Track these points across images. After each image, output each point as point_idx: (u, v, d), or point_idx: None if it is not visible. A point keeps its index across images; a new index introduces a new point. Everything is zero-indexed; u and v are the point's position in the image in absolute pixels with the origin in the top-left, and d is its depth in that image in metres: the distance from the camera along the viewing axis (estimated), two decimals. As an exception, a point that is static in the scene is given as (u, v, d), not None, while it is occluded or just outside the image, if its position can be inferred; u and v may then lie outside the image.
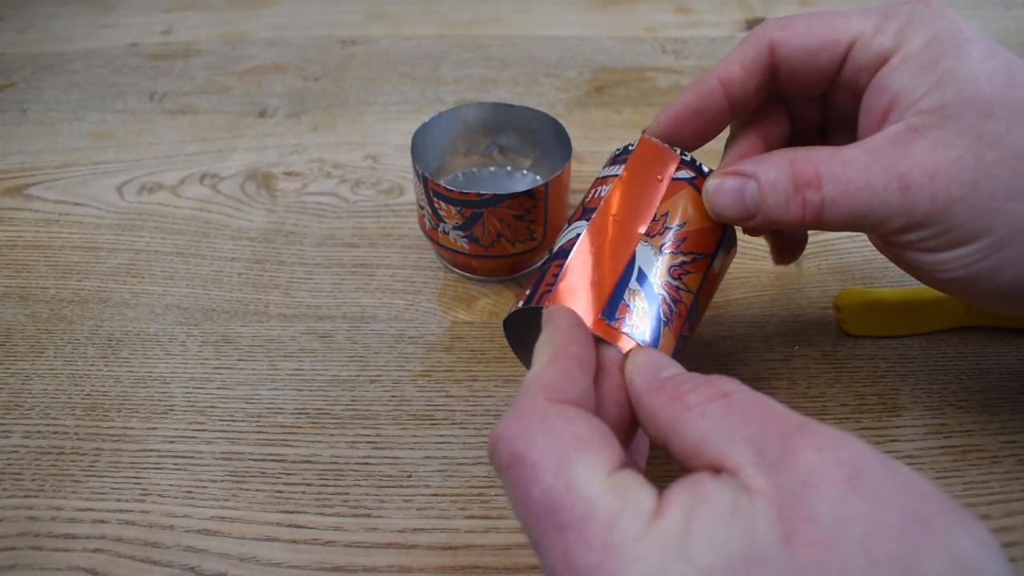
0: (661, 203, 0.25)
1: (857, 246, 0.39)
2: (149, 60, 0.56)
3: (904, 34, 0.24)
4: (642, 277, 0.24)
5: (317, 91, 0.52)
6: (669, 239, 0.24)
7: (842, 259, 0.38)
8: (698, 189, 0.25)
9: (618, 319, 0.23)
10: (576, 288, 0.23)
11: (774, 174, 0.24)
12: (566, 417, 0.19)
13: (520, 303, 0.25)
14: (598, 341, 0.22)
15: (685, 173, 0.25)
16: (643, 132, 0.27)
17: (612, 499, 0.17)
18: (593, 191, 0.26)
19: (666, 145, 0.26)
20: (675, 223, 0.25)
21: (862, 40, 0.24)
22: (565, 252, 0.24)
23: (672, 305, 0.24)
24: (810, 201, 0.23)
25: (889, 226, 0.23)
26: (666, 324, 0.23)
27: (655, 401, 0.20)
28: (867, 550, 0.15)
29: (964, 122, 0.22)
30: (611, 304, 0.23)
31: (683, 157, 0.26)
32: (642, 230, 0.24)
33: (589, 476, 0.17)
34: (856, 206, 0.23)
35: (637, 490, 0.17)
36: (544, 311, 0.23)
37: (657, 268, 0.24)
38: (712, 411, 0.18)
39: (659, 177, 0.25)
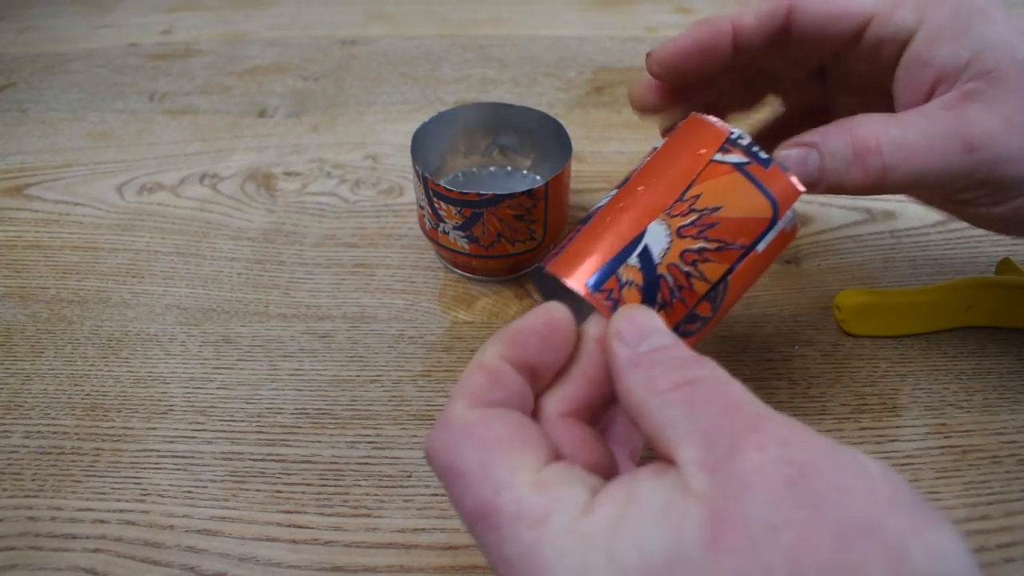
0: (695, 183, 0.24)
1: (857, 246, 0.39)
2: (149, 60, 0.56)
3: (924, 8, 0.25)
4: (646, 255, 0.23)
5: (317, 91, 0.52)
6: (692, 222, 0.23)
7: (842, 259, 0.38)
8: (748, 175, 0.24)
9: (602, 291, 0.22)
10: (577, 254, 0.23)
11: (834, 143, 0.24)
12: (487, 422, 0.19)
13: (538, 263, 0.25)
14: (589, 310, 0.22)
15: (736, 157, 0.24)
16: (647, 56, 0.28)
17: (539, 497, 0.17)
18: (640, 162, 0.26)
19: (716, 121, 0.25)
20: (707, 207, 0.23)
21: (881, 14, 0.25)
22: (586, 219, 0.25)
23: (675, 291, 0.23)
24: (872, 166, 0.24)
25: (952, 186, 0.24)
26: (661, 308, 0.23)
27: (630, 379, 0.19)
28: (794, 559, 0.14)
29: (1011, 82, 0.23)
30: (601, 274, 0.23)
31: (734, 136, 0.24)
32: (666, 207, 0.23)
33: (514, 476, 0.17)
34: (918, 169, 0.24)
35: (568, 485, 0.17)
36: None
37: (666, 249, 0.23)
38: (676, 399, 0.18)
39: (700, 151, 0.24)
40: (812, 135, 0.25)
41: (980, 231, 0.38)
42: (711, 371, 0.19)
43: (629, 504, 0.16)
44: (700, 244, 0.23)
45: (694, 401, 0.18)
